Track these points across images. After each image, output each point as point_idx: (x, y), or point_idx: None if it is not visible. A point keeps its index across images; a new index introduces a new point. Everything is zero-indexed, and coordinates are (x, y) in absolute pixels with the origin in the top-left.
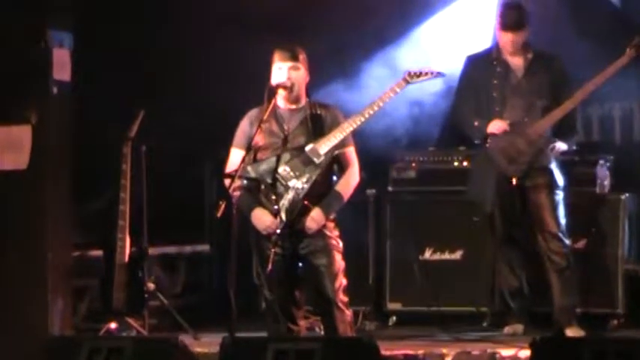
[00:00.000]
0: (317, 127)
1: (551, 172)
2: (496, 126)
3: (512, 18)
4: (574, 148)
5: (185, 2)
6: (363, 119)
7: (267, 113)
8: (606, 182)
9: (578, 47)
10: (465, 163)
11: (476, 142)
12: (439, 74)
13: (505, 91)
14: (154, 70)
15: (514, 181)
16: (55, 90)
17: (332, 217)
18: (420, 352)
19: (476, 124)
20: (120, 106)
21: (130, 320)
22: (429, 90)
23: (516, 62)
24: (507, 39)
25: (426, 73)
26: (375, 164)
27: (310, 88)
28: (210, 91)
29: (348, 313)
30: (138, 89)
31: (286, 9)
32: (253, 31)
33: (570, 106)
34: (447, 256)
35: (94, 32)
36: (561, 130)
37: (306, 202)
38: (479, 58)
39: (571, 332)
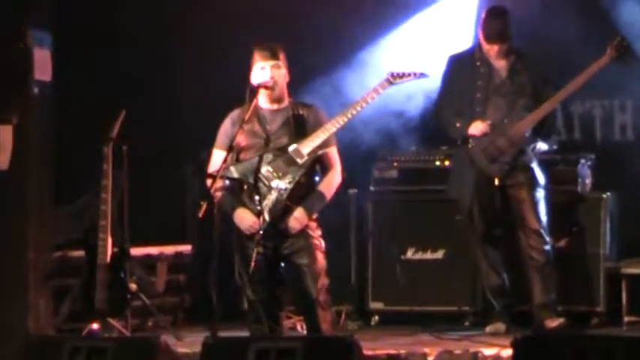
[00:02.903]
0: (300, 127)
1: (532, 170)
2: (477, 128)
3: (496, 30)
4: (554, 147)
5: (165, 2)
6: (346, 119)
7: (249, 113)
8: (587, 181)
9: (561, 47)
10: (446, 163)
11: (458, 142)
12: (422, 75)
13: (488, 91)
14: (135, 70)
15: (496, 181)
16: (36, 90)
17: (314, 216)
18: (403, 351)
19: (457, 125)
20: (101, 107)
21: (112, 321)
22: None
23: (500, 63)
24: (492, 49)
25: (409, 75)
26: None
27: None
28: (193, 91)
29: (331, 312)
30: (119, 89)
31: (268, 9)
32: (236, 30)
33: (552, 106)
34: (428, 255)
35: (74, 32)
36: (541, 131)
37: (288, 203)
38: (461, 58)
39: (551, 323)
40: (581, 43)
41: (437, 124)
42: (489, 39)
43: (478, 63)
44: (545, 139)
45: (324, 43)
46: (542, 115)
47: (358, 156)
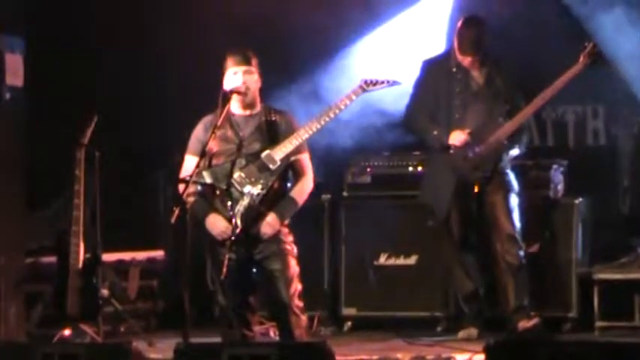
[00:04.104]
0: (272, 133)
1: (507, 176)
2: (457, 138)
3: (470, 42)
4: (524, 150)
5: (138, 6)
6: (319, 126)
7: (222, 119)
8: (560, 186)
9: (532, 54)
10: (419, 168)
11: (434, 149)
12: (395, 83)
13: (466, 98)
14: (108, 74)
15: (475, 188)
16: (7, 95)
17: (286, 222)
18: (375, 357)
19: (435, 132)
20: (73, 112)
21: (84, 326)
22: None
23: (475, 70)
24: (466, 59)
25: (382, 82)
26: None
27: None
28: (165, 95)
29: (304, 318)
30: (91, 94)
31: (245, 15)
32: (213, 34)
33: (530, 113)
34: (401, 261)
35: (46, 36)
36: (514, 135)
37: (261, 208)
38: (436, 63)
39: (526, 323)
40: (553, 48)
41: (409, 130)
42: (463, 51)
43: (454, 69)
44: (518, 143)
45: (302, 46)
46: (521, 121)
47: (337, 160)
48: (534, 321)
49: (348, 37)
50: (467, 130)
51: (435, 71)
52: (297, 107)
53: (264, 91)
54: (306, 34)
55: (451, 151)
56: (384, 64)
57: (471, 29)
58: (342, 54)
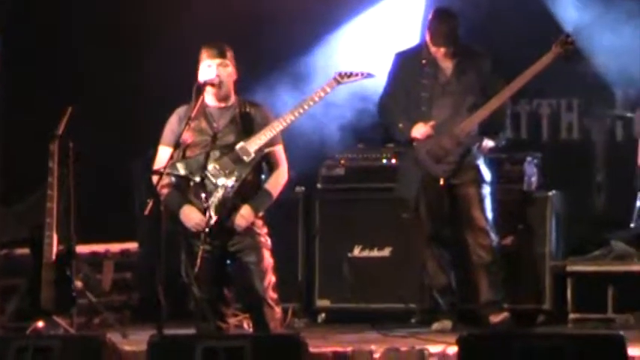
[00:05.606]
0: (247, 125)
1: (477, 168)
2: (419, 131)
3: (442, 34)
4: (503, 143)
5: (117, 1)
6: (293, 118)
7: (196, 111)
8: (534, 179)
9: (509, 47)
10: (393, 161)
11: (401, 142)
12: (369, 75)
13: (434, 91)
14: (83, 66)
15: (441, 181)
16: None
17: (261, 214)
18: (349, 349)
19: (400, 125)
20: (48, 103)
21: (58, 319)
22: None
23: (446, 63)
24: (438, 51)
25: (357, 74)
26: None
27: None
28: (140, 88)
29: (278, 310)
30: (66, 86)
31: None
32: (188, 27)
33: (497, 104)
34: (375, 253)
35: (23, 28)
36: (489, 127)
37: (235, 200)
38: (408, 56)
39: (495, 318)
40: (529, 42)
41: (381, 122)
42: (435, 43)
43: (424, 61)
44: (492, 137)
45: (284, 35)
46: (487, 113)
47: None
48: (503, 316)
49: (332, 24)
50: (431, 123)
51: (406, 64)
52: (281, 95)
53: (254, 82)
54: (287, 22)
55: (414, 144)
56: (361, 56)
57: (442, 21)
58: (325, 42)
